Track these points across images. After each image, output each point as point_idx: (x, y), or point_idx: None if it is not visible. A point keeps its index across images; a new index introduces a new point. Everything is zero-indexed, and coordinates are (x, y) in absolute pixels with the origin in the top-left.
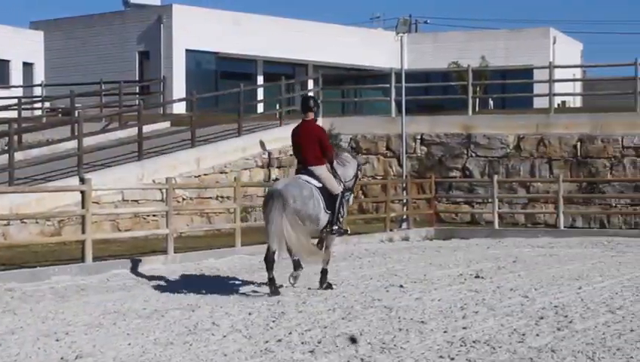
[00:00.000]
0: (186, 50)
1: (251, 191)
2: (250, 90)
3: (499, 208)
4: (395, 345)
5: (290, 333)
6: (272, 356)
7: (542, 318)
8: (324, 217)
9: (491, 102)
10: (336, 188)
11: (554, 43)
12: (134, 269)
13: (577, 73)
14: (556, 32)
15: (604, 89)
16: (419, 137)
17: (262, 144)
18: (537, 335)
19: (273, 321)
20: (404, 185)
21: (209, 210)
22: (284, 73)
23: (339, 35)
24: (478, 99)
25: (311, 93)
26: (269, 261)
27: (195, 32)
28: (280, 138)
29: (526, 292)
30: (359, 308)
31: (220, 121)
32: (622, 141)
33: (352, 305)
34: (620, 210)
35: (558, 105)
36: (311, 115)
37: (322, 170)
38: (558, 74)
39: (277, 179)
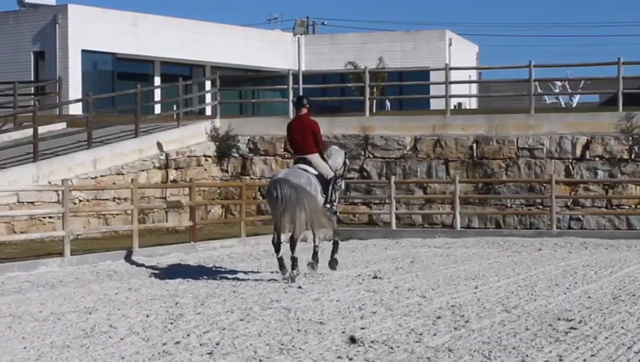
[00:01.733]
0: (82, 51)
1: (149, 192)
2: (147, 91)
3: (396, 209)
4: (293, 346)
5: (189, 335)
6: (170, 358)
7: (439, 318)
8: (321, 200)
9: (388, 104)
10: (329, 172)
11: (450, 45)
12: (30, 272)
13: (473, 75)
14: (452, 34)
15: (500, 91)
16: None
17: (159, 145)
18: (434, 334)
19: (171, 323)
20: None
21: (106, 212)
22: (181, 74)
23: (236, 36)
24: (375, 101)
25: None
26: (276, 244)
27: (91, 32)
28: (177, 139)
29: (423, 292)
30: (258, 310)
31: (117, 122)
32: (517, 142)
33: (251, 306)
34: (515, 210)
35: (455, 106)
36: (304, 111)
37: (316, 158)
38: (454, 76)
39: (175, 180)
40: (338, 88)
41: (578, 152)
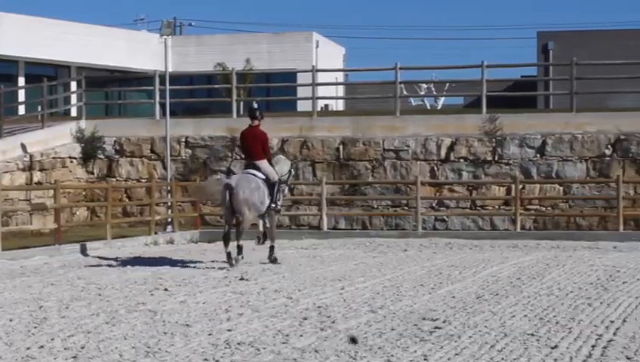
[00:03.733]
0: None
1: (12, 194)
2: (11, 91)
3: None
4: (159, 349)
5: (53, 339)
6: None
7: (305, 319)
8: (267, 201)
9: (255, 106)
10: (275, 176)
11: (317, 47)
12: None
13: (340, 77)
14: (319, 36)
15: (366, 93)
16: (183, 140)
17: (23, 146)
18: (301, 335)
19: (35, 327)
20: (169, 188)
21: None
22: (46, 75)
23: (103, 36)
24: (242, 103)
25: (255, 105)
26: (226, 238)
27: None
28: (42, 140)
29: (290, 293)
30: (123, 312)
31: None
32: (383, 144)
33: (117, 309)
34: (381, 211)
35: (321, 108)
36: (256, 122)
37: (264, 164)
38: (321, 77)
39: (39, 182)
40: (205, 89)
41: (443, 154)
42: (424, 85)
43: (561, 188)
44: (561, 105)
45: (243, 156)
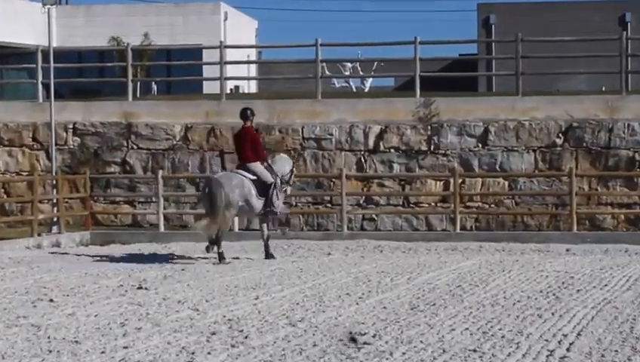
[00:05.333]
0: None
1: None
2: None
3: (164, 208)
4: None
5: None
6: None
7: (214, 334)
8: (257, 202)
9: (155, 87)
10: (269, 178)
11: (225, 20)
12: None
13: (252, 54)
14: (228, 8)
15: (282, 73)
16: (71, 126)
17: None
18: (209, 353)
19: None
20: (54, 182)
21: None
22: None
23: None
24: (139, 83)
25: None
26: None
27: None
28: None
29: (196, 304)
30: (1, 327)
31: None
32: (302, 132)
33: None
34: (301, 209)
35: (231, 90)
36: (248, 123)
37: (256, 166)
38: (231, 55)
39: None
40: (96, 68)
41: (371, 143)
42: (349, 64)
43: (506, 183)
44: (506, 88)
45: (237, 158)
